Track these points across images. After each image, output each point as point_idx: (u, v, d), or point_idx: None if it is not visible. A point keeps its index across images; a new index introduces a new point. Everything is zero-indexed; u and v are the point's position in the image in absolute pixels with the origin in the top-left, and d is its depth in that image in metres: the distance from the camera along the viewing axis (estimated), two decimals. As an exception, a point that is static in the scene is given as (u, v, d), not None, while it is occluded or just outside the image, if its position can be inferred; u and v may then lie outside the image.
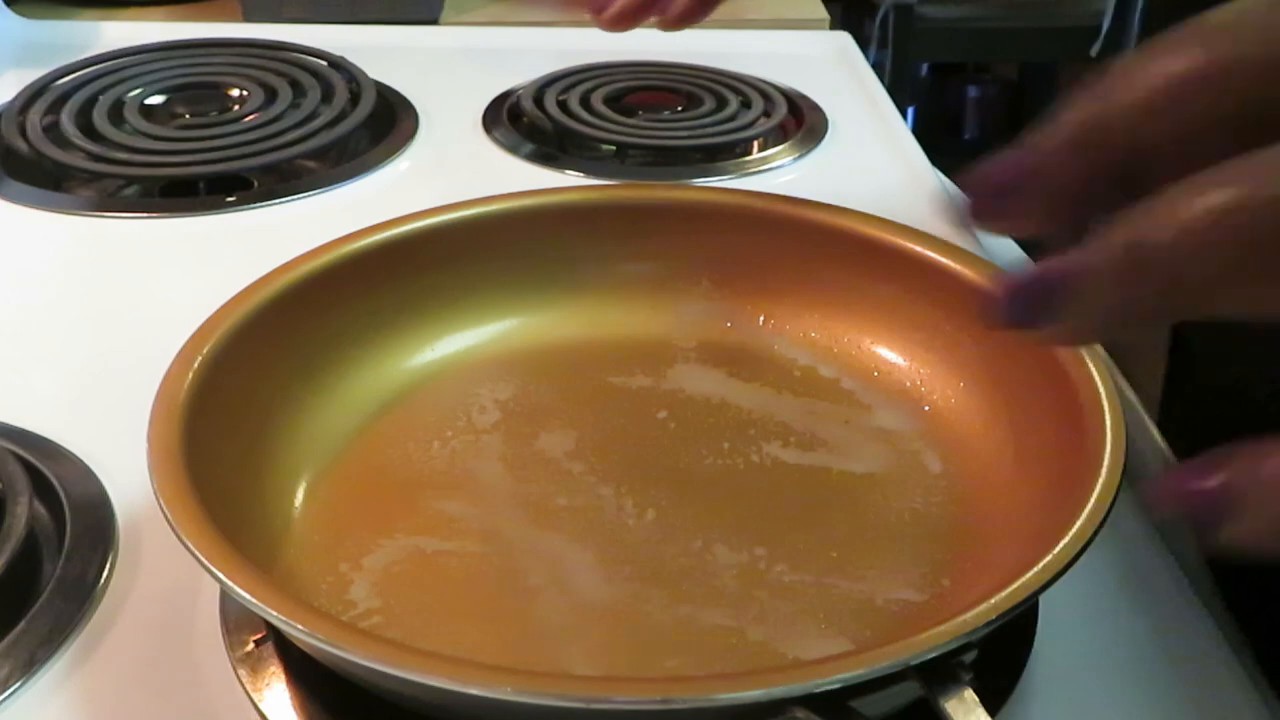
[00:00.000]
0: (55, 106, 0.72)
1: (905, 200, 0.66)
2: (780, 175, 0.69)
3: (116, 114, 0.72)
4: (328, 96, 0.75)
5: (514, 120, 0.75)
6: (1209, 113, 0.23)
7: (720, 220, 0.49)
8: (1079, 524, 0.32)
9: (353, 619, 0.36)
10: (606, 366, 0.47)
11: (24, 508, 0.39)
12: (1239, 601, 0.41)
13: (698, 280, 0.49)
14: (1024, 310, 0.24)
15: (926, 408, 0.45)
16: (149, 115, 0.73)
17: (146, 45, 0.81)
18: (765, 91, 0.78)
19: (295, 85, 0.76)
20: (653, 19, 0.53)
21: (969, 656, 0.31)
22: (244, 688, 0.35)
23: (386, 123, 0.74)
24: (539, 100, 0.75)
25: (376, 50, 0.82)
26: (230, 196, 0.65)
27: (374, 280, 0.46)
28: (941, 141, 2.23)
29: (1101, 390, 0.37)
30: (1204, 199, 0.21)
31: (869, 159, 0.72)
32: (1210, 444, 0.22)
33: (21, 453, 0.43)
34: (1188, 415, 0.53)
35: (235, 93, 0.76)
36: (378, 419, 0.44)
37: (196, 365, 0.38)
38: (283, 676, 0.35)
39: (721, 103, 0.76)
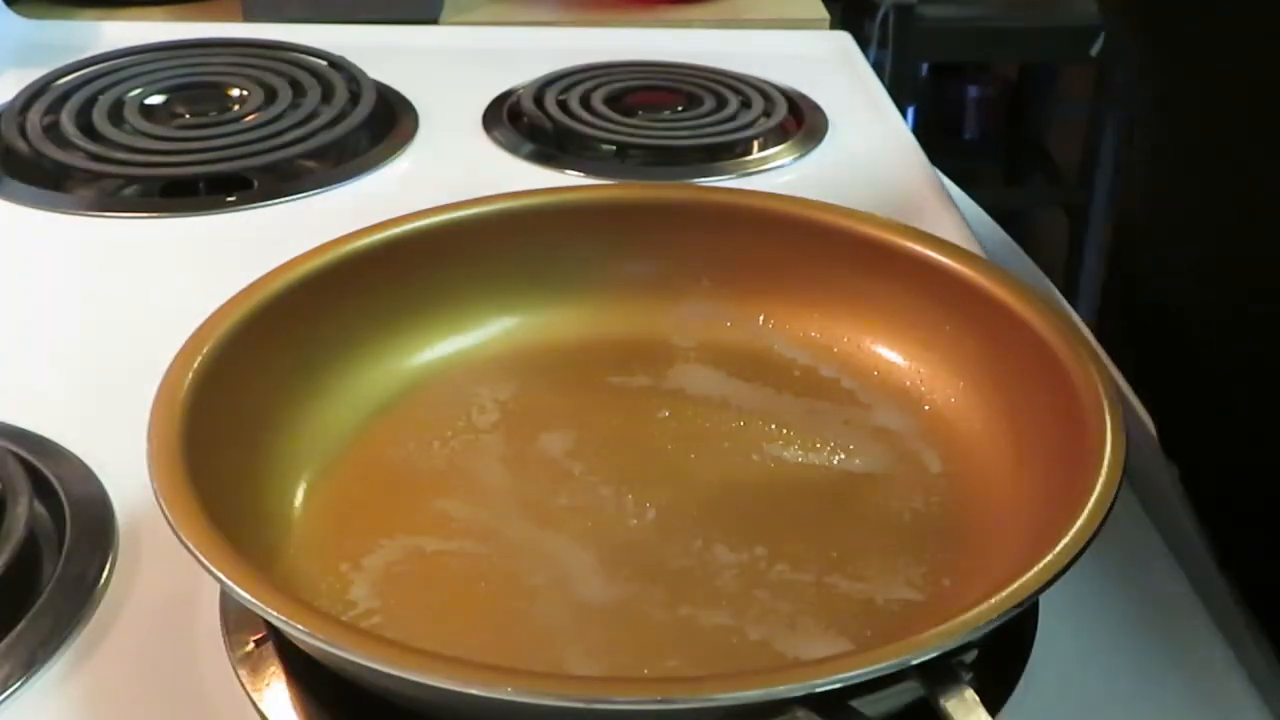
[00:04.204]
0: (55, 106, 0.72)
1: (905, 200, 0.66)
2: (780, 175, 0.69)
3: (116, 114, 0.72)
4: (328, 96, 0.75)
5: (514, 120, 0.75)
6: None
7: (720, 220, 0.49)
8: (1079, 524, 0.32)
9: (353, 619, 0.36)
10: (606, 366, 0.47)
11: (24, 508, 0.39)
12: (1249, 600, 0.41)
13: (698, 280, 0.49)
14: None
15: (926, 407, 0.45)
16: (149, 115, 0.73)
17: (146, 45, 0.81)
18: (765, 91, 0.78)
19: (295, 85, 0.76)
20: None
21: (969, 656, 0.31)
22: (244, 688, 0.35)
23: (386, 123, 0.74)
24: (539, 100, 0.75)
25: (376, 50, 0.82)
26: (230, 196, 0.65)
27: (374, 280, 0.45)
28: (941, 141, 2.23)
29: (1101, 390, 0.37)
30: None
31: (869, 159, 0.72)
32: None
33: (21, 453, 0.43)
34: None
35: (235, 93, 0.76)
36: (378, 419, 0.44)
37: (196, 365, 0.38)
38: (283, 676, 0.35)
39: (721, 103, 0.76)
